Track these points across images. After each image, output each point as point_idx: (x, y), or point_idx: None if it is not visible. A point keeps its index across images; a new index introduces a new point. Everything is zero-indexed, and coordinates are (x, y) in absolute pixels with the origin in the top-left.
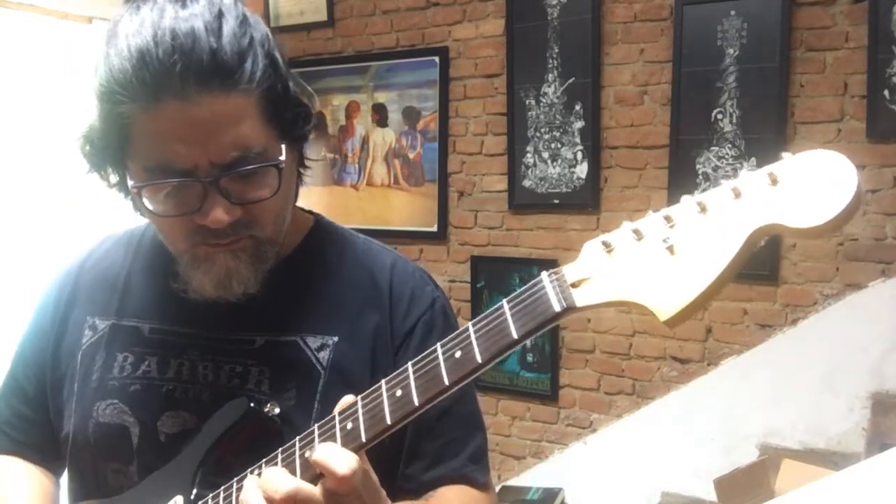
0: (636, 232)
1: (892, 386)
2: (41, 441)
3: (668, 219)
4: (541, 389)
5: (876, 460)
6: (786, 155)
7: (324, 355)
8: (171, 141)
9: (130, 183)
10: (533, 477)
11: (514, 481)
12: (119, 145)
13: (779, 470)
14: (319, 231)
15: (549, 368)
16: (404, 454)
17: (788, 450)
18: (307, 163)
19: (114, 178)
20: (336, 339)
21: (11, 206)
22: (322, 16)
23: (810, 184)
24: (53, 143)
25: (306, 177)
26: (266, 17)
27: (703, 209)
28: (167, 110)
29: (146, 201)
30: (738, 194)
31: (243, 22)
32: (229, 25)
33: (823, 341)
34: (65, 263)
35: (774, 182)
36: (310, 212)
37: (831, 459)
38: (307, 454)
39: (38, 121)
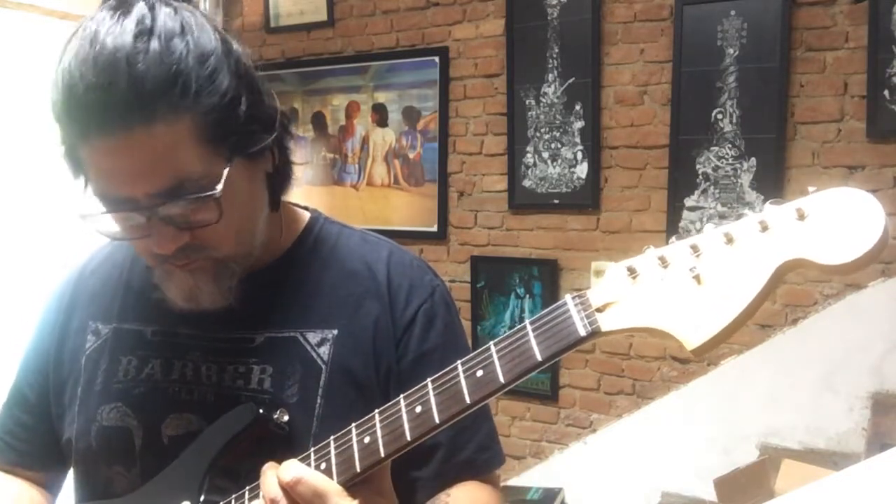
0: (661, 259)
1: (892, 386)
2: (42, 450)
3: (694, 248)
4: (541, 389)
5: (876, 460)
6: (812, 189)
7: (324, 350)
8: (105, 175)
9: (79, 212)
10: (533, 477)
11: (514, 481)
12: (75, 169)
13: (779, 470)
14: (316, 227)
15: (548, 368)
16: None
17: (788, 450)
18: (296, 160)
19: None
20: (336, 332)
21: (11, 208)
22: (322, 16)
23: (838, 221)
24: (54, 144)
25: (302, 175)
26: (266, 17)
27: (729, 240)
28: (96, 146)
29: (97, 226)
30: (765, 227)
31: (177, 35)
32: (155, 47)
33: (823, 341)
34: (65, 272)
35: (802, 217)
36: (306, 208)
37: (831, 459)
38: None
39: (38, 121)
